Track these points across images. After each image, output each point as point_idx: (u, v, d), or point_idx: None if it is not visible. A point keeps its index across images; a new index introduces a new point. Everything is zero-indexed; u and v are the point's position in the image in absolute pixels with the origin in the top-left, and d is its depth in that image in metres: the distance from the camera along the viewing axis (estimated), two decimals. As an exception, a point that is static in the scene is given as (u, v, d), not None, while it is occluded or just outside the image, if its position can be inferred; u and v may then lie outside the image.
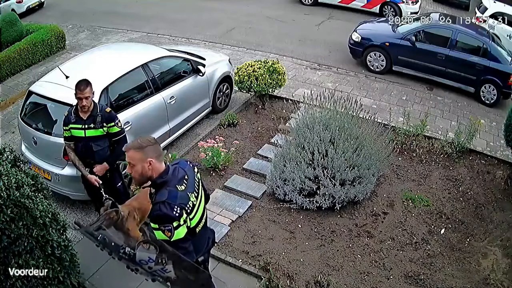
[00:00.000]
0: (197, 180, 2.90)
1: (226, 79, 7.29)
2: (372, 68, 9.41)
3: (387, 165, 5.76)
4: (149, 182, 2.71)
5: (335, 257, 4.67)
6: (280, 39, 10.83)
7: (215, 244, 4.63)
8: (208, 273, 3.15)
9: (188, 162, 2.94)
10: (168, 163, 2.79)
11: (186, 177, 2.76)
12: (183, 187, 2.68)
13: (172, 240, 2.55)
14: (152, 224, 2.60)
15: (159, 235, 2.56)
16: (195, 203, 2.75)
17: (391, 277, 4.48)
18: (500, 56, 8.58)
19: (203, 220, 2.91)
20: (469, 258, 4.78)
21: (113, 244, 2.58)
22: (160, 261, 2.50)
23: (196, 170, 2.93)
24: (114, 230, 2.69)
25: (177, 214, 2.55)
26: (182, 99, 6.25)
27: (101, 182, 4.19)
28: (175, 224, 2.55)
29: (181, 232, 2.58)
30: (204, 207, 2.96)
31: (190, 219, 2.68)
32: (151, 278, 2.62)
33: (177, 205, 2.57)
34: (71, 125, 4.23)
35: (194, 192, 2.78)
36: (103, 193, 3.85)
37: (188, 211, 2.65)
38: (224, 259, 4.52)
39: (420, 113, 7.50)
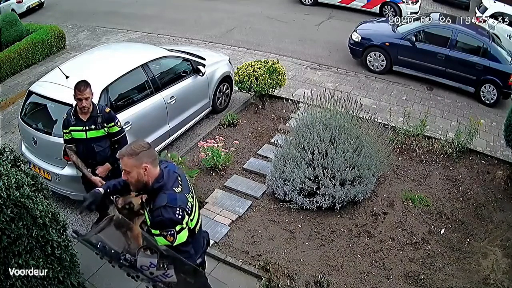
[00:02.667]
0: (188, 180, 2.88)
1: (226, 79, 7.28)
2: (372, 68, 9.40)
3: (387, 165, 5.75)
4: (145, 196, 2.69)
5: (335, 257, 4.67)
6: (280, 39, 10.83)
7: (216, 244, 4.66)
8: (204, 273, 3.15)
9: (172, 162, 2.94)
10: (161, 167, 2.72)
11: (179, 178, 2.73)
12: (179, 189, 2.65)
13: (174, 244, 2.52)
14: (153, 230, 2.54)
15: (160, 240, 2.51)
16: (192, 203, 2.74)
17: (391, 277, 4.48)
18: (500, 56, 8.57)
19: (200, 221, 2.90)
20: (469, 258, 4.79)
21: (113, 251, 2.54)
22: (161, 266, 2.47)
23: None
24: (113, 231, 2.66)
25: (179, 217, 2.53)
26: (182, 99, 6.25)
27: (104, 183, 4.19)
28: (177, 228, 2.52)
29: (183, 236, 2.56)
30: (199, 207, 2.95)
31: (191, 220, 2.67)
32: (152, 284, 2.58)
33: (178, 207, 2.54)
34: (71, 128, 4.23)
35: (190, 193, 2.77)
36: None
37: (189, 212, 2.64)
38: (224, 259, 4.51)
39: (420, 113, 7.50)
